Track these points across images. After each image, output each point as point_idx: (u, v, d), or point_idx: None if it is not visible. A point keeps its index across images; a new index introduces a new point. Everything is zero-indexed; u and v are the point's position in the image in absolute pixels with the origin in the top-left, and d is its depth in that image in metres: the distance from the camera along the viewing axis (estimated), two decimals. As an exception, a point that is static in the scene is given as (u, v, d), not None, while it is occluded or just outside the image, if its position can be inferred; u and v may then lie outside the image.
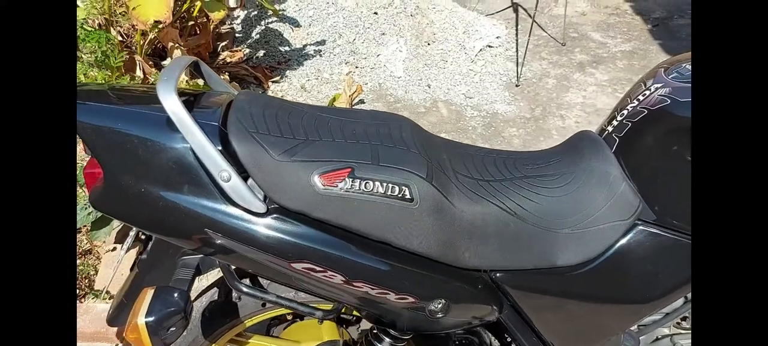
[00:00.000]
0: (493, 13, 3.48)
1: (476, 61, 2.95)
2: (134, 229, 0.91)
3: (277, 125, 0.77)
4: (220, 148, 0.72)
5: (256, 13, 3.09)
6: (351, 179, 0.75)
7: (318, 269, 0.78)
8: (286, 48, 2.93)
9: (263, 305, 0.99)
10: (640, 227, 0.89)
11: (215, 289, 1.02)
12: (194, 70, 0.88)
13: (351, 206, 0.75)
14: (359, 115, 0.86)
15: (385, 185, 0.76)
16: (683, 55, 0.96)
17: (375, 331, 0.97)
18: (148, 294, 0.75)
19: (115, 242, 1.59)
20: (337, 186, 0.74)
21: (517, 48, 3.09)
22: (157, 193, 0.74)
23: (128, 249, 0.93)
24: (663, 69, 0.93)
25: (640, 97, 0.91)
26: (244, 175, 0.74)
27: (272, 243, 0.76)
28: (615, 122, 0.94)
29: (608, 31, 3.49)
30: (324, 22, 2.96)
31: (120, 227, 1.59)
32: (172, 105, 0.70)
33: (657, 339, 1.11)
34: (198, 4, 2.07)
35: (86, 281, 1.54)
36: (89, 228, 1.43)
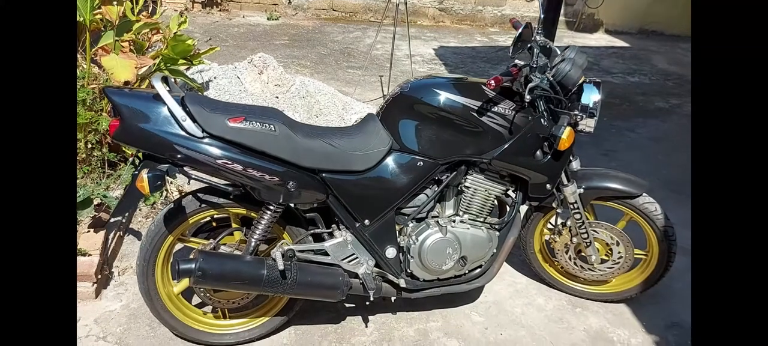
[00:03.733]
0: (367, 101, 4.63)
1: (353, 129, 4.01)
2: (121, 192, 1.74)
3: (209, 102, 1.69)
4: (181, 107, 1.62)
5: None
6: (246, 122, 1.68)
7: (229, 163, 1.67)
8: (207, 123, 3.80)
9: (200, 205, 1.82)
10: (393, 152, 1.87)
11: (172, 204, 1.84)
12: (164, 82, 1.78)
13: (245, 133, 1.68)
14: (253, 106, 1.80)
15: (262, 123, 1.69)
16: (412, 78, 2.01)
17: (262, 209, 1.82)
18: (146, 169, 1.58)
19: (89, 227, 2.29)
20: (238, 124, 1.66)
21: (384, 121, 4.21)
22: (150, 129, 1.62)
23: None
24: (403, 81, 1.97)
25: (391, 93, 1.93)
26: (193, 119, 1.63)
27: (206, 150, 1.65)
28: (381, 105, 1.95)
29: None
30: (237, 104, 3.93)
31: (93, 214, 2.32)
32: (160, 88, 1.60)
33: (421, 225, 2.04)
34: (147, 81, 2.96)
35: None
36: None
